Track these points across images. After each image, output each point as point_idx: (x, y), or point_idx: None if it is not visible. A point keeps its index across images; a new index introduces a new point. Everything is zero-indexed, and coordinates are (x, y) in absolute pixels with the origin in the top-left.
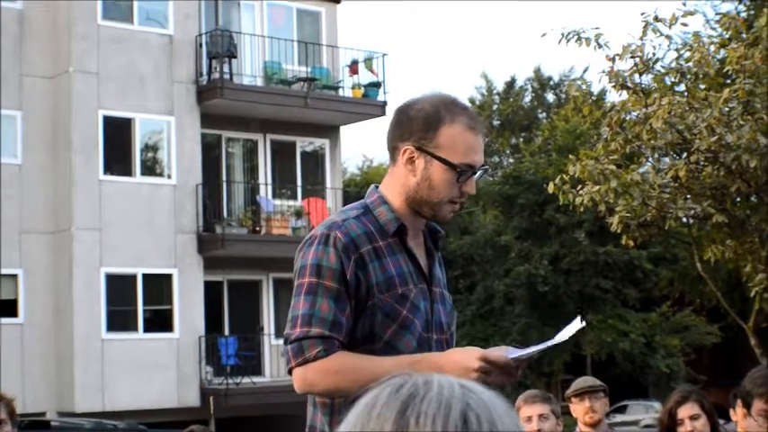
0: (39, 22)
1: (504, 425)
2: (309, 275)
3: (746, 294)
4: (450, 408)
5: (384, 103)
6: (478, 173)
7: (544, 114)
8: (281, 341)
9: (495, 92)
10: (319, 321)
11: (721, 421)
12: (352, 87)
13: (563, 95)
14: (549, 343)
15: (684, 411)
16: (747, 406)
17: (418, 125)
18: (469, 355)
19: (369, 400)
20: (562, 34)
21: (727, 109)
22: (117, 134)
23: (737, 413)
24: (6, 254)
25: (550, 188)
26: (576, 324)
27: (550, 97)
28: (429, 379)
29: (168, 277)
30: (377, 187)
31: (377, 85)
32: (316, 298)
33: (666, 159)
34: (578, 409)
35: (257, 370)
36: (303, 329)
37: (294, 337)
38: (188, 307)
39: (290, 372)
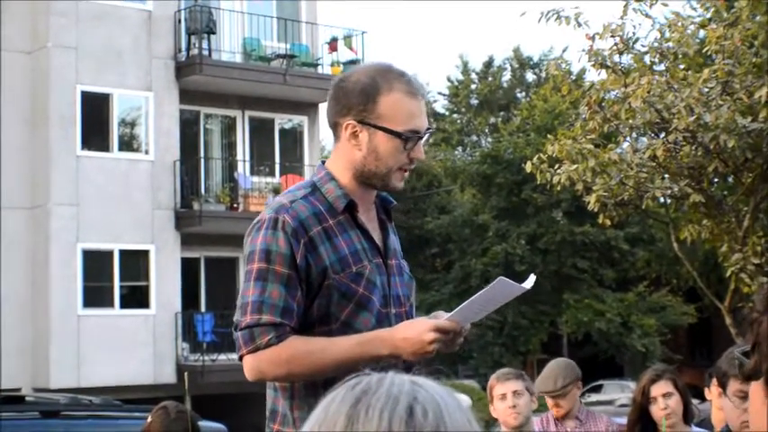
0: None
1: (453, 419)
2: (259, 261)
3: (722, 274)
4: (398, 401)
5: None
6: (425, 137)
7: (523, 94)
8: None
9: (472, 71)
10: (270, 308)
11: (697, 401)
12: (331, 65)
13: (542, 75)
14: (482, 294)
15: (657, 389)
16: (723, 386)
17: (356, 98)
18: (422, 329)
19: (328, 399)
20: (542, 13)
21: (706, 89)
22: (95, 110)
23: (712, 392)
24: None
25: (528, 167)
26: (516, 285)
27: (530, 77)
28: (382, 377)
29: (145, 253)
30: (323, 163)
31: (356, 62)
32: (266, 284)
33: (644, 139)
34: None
35: (233, 347)
36: (254, 316)
37: (245, 324)
38: (164, 283)
39: (240, 359)
